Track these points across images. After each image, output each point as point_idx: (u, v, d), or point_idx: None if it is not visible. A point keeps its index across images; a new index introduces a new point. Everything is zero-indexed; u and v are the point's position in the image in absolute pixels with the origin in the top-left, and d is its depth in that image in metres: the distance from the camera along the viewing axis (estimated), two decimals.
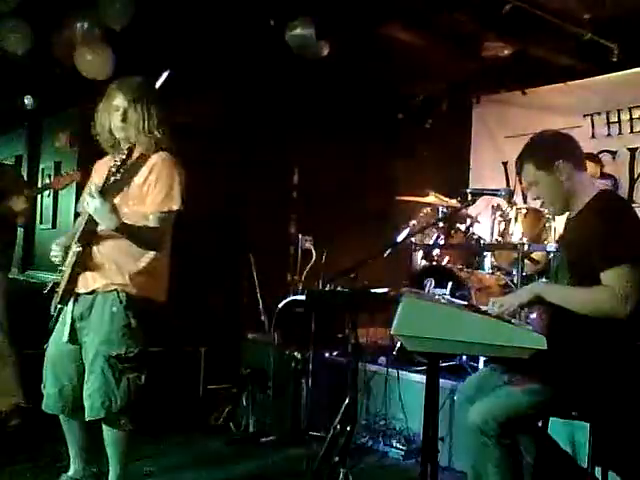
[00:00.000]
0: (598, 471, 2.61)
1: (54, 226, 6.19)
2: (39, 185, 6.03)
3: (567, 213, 2.73)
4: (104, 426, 2.95)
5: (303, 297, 4.53)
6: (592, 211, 2.55)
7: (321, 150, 6.00)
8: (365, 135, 6.48)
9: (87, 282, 2.96)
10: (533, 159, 2.62)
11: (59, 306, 3.01)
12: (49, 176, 6.27)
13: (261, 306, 5.26)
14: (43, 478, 3.30)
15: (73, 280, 2.94)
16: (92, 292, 2.96)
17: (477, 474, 2.56)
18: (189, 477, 3.66)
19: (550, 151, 2.62)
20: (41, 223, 6.52)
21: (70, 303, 2.99)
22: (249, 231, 5.90)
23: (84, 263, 2.93)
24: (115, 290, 2.92)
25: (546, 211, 4.59)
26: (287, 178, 6.08)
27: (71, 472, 3.13)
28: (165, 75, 5.25)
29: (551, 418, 2.77)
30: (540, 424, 2.75)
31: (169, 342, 5.07)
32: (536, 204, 5.08)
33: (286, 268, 5.53)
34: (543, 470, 2.67)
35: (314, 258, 5.17)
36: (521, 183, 2.85)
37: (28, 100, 3.91)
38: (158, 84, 5.26)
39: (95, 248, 2.94)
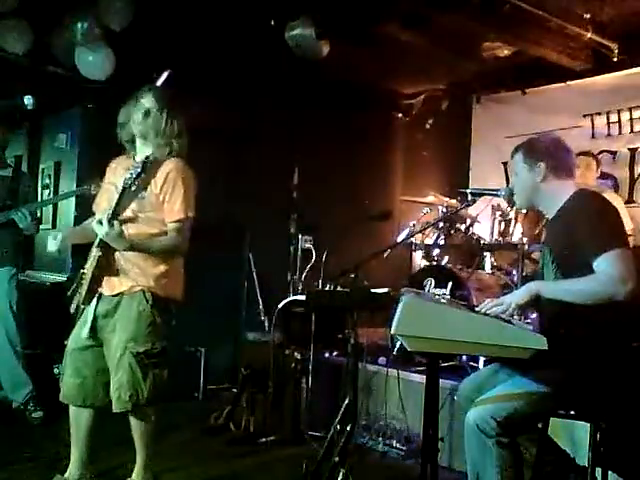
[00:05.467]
0: (598, 471, 2.61)
1: (54, 226, 6.17)
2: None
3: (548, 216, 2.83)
4: (132, 419, 3.08)
5: (303, 297, 4.52)
6: (571, 207, 2.64)
7: (321, 150, 6.00)
8: (366, 135, 6.49)
9: (113, 285, 3.07)
10: (523, 152, 2.78)
11: (82, 306, 3.10)
12: (49, 176, 6.27)
13: (261, 306, 5.26)
14: (43, 478, 3.29)
15: (96, 282, 3.04)
16: (117, 294, 3.07)
17: (476, 474, 2.56)
18: (189, 477, 3.66)
19: (538, 152, 2.75)
20: (41, 223, 6.50)
21: (93, 301, 3.09)
22: (249, 231, 5.90)
23: (107, 267, 3.03)
24: (141, 290, 3.04)
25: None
26: (287, 178, 6.08)
27: (67, 474, 3.16)
28: (165, 75, 5.26)
29: (551, 418, 2.77)
30: (540, 425, 2.75)
31: (169, 342, 5.08)
32: None
33: (286, 268, 5.53)
34: (543, 470, 2.67)
35: (314, 258, 5.17)
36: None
37: (28, 100, 3.91)
38: (158, 84, 5.29)
39: (118, 253, 3.03)
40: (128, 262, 3.04)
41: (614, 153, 5.76)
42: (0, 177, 4.50)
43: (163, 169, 3.04)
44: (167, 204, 3.04)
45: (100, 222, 2.88)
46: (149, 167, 2.95)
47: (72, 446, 3.18)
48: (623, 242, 2.50)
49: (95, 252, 3.00)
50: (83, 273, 3.07)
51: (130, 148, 3.18)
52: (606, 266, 2.41)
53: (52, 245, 3.14)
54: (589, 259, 2.44)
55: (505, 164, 6.39)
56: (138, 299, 3.03)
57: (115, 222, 2.88)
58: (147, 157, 2.98)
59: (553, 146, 2.78)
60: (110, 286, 3.07)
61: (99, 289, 3.08)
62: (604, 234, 2.48)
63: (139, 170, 2.90)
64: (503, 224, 4.76)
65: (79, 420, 3.16)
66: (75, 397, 3.12)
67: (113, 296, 3.07)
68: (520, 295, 2.61)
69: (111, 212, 2.89)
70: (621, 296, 2.39)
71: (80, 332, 3.11)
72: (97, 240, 2.98)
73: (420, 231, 5.00)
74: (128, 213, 2.99)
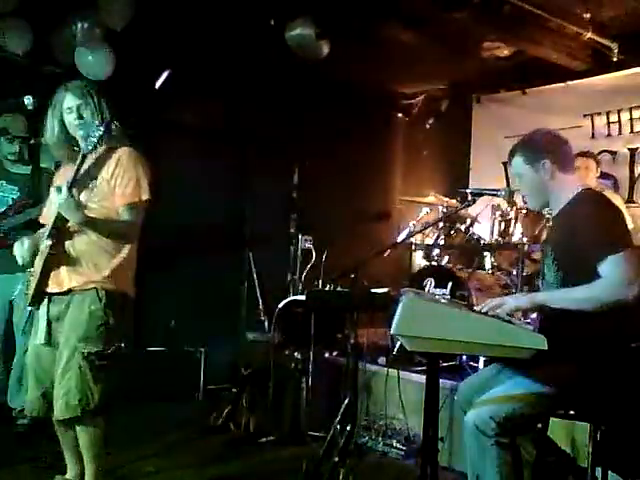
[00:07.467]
0: (598, 471, 2.61)
1: None
2: None
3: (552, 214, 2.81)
4: (79, 427, 2.91)
5: (303, 297, 4.52)
6: (575, 207, 2.62)
7: (321, 150, 6.00)
8: (365, 135, 6.48)
9: (62, 281, 2.91)
10: (522, 153, 2.75)
11: (29, 308, 2.98)
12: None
13: (261, 306, 5.26)
14: (43, 478, 3.29)
15: (45, 279, 2.90)
16: (68, 291, 2.91)
17: (476, 475, 2.56)
18: (189, 477, 3.66)
19: (539, 149, 2.71)
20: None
21: (44, 304, 2.95)
22: (249, 231, 5.90)
23: (57, 261, 2.89)
24: (94, 288, 2.88)
25: (546, 211, 4.59)
26: (287, 178, 6.08)
27: (69, 475, 3.11)
28: (165, 75, 5.26)
29: (551, 418, 2.77)
30: (540, 425, 2.74)
31: (169, 342, 5.08)
32: None
33: (286, 268, 5.53)
34: (543, 470, 2.67)
35: (314, 258, 5.18)
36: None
37: (28, 100, 3.90)
38: (158, 84, 5.29)
39: (69, 245, 2.90)
40: (81, 256, 2.89)
41: (614, 153, 5.76)
42: (21, 175, 4.34)
43: (114, 156, 2.94)
44: (119, 188, 2.90)
45: (59, 189, 2.76)
46: (100, 154, 2.86)
47: (63, 449, 3.08)
48: (627, 243, 2.47)
49: (46, 242, 2.85)
50: (31, 273, 2.94)
51: (72, 155, 3.00)
52: (612, 270, 2.40)
53: (21, 259, 2.99)
54: (593, 261, 2.43)
55: (505, 164, 6.39)
56: (90, 298, 2.87)
57: (74, 190, 2.76)
58: (110, 119, 2.87)
59: (551, 140, 2.76)
60: (59, 282, 2.90)
61: (47, 288, 2.91)
62: (609, 237, 2.46)
63: (101, 132, 2.74)
64: (503, 224, 4.76)
65: (62, 428, 3.02)
66: (39, 409, 2.98)
67: (63, 294, 2.91)
68: (522, 301, 2.61)
69: (71, 180, 2.78)
70: (628, 299, 2.38)
71: (35, 339, 2.96)
72: (47, 230, 2.86)
73: (420, 231, 5.00)
74: None
